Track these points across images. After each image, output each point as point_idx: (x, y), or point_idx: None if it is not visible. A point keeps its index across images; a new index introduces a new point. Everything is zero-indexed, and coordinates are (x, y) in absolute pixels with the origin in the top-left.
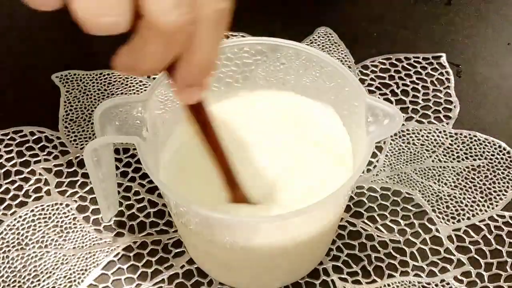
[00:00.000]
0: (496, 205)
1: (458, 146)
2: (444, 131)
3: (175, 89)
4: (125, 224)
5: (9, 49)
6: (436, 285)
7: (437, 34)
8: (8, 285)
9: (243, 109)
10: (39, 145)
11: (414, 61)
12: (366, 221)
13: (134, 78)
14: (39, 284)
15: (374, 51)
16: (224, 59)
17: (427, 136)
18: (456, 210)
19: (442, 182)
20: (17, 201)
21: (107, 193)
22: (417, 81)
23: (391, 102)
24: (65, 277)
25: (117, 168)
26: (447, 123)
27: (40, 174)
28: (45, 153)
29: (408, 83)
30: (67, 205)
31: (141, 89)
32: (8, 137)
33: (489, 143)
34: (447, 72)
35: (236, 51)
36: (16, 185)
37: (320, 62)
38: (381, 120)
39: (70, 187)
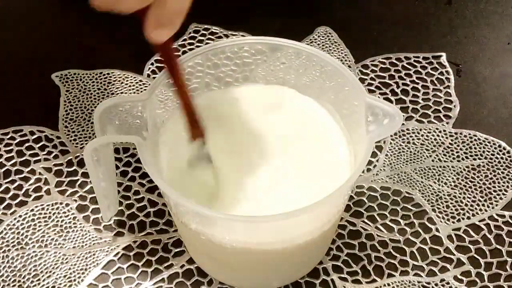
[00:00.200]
0: (496, 205)
1: (458, 145)
2: (444, 130)
3: (147, 28)
4: (125, 224)
5: (9, 49)
6: (436, 284)
7: (437, 34)
8: (8, 284)
9: (242, 108)
10: (39, 145)
11: (414, 61)
12: (366, 220)
13: (134, 77)
14: (39, 284)
15: (374, 51)
16: (224, 59)
17: (427, 136)
18: (456, 210)
19: (442, 181)
20: (17, 201)
21: (107, 193)
22: (417, 81)
23: (391, 101)
24: (65, 276)
25: (117, 167)
26: (447, 123)
27: (40, 173)
28: (45, 152)
29: (408, 83)
30: (67, 205)
31: (141, 88)
32: (8, 136)
33: (489, 142)
34: (447, 71)
35: (236, 50)
36: (16, 184)
37: (320, 62)
38: (381, 119)
39: (70, 186)
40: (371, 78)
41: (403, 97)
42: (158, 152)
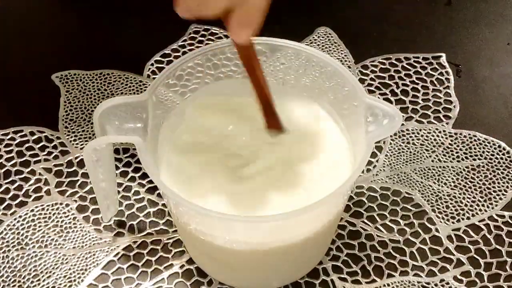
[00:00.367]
0: (496, 205)
1: (457, 146)
2: (444, 131)
3: (232, 30)
4: (125, 224)
5: (9, 49)
6: (436, 284)
7: (437, 34)
8: (8, 284)
9: (242, 108)
10: (39, 145)
11: (414, 61)
12: (365, 221)
13: (134, 78)
14: (39, 284)
15: (374, 51)
16: (224, 59)
17: (427, 136)
18: (456, 210)
19: (441, 182)
20: (17, 201)
21: (107, 193)
22: (416, 81)
23: (390, 102)
24: (65, 276)
25: (117, 168)
26: (447, 123)
27: (40, 174)
28: (45, 153)
29: (408, 83)
30: (67, 205)
31: (141, 89)
32: (8, 137)
33: (488, 143)
34: (446, 72)
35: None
36: (16, 185)
37: (320, 62)
38: (380, 120)
39: (70, 187)
40: (371, 79)
41: (403, 97)
42: (157, 153)
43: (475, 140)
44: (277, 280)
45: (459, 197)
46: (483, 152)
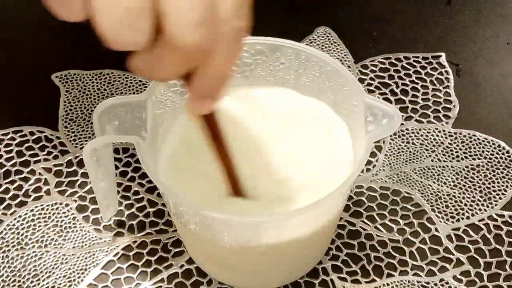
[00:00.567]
0: (496, 205)
1: (457, 145)
2: (444, 130)
3: (188, 100)
4: (124, 224)
5: (9, 49)
6: (435, 284)
7: (437, 33)
8: (8, 284)
9: (241, 107)
10: (39, 145)
11: (414, 61)
12: (365, 220)
13: (134, 78)
14: (38, 284)
15: (374, 51)
16: None
17: (427, 136)
18: (456, 210)
19: (441, 181)
20: (17, 201)
21: (106, 193)
22: (416, 81)
23: (390, 101)
24: (64, 276)
25: (117, 167)
26: (447, 123)
27: (39, 173)
28: (44, 152)
29: (408, 83)
30: (67, 205)
31: (141, 88)
32: (8, 137)
33: (488, 142)
34: (446, 71)
35: None
36: (16, 184)
37: (320, 62)
38: (380, 119)
39: (70, 186)
40: (371, 78)
41: (402, 97)
42: (157, 153)
43: (474, 140)
44: (276, 280)
45: (459, 197)
46: (483, 151)
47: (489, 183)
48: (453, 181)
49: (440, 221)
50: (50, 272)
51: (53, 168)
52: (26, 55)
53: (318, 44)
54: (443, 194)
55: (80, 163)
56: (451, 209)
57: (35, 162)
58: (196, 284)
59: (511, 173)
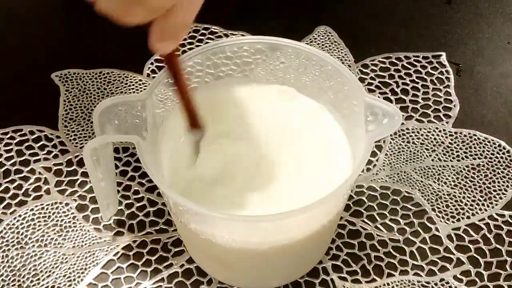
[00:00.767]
0: (496, 204)
1: (458, 145)
2: (444, 130)
3: (151, 40)
4: (124, 223)
5: (9, 48)
6: (436, 284)
7: (437, 33)
8: (8, 284)
9: (241, 106)
10: (38, 144)
11: (414, 60)
12: (365, 220)
13: (134, 77)
14: (38, 283)
15: (374, 50)
16: (223, 58)
17: (427, 135)
18: (456, 209)
19: (441, 181)
20: (16, 200)
21: (106, 192)
22: (417, 80)
23: (391, 101)
24: (64, 276)
25: (117, 167)
26: (447, 122)
27: (39, 173)
28: (44, 152)
29: (408, 82)
30: (67, 204)
31: (141, 88)
32: (8, 136)
33: (489, 142)
34: (447, 71)
35: (236, 50)
36: (15, 184)
37: (320, 61)
38: (380, 119)
39: (70, 186)
40: (371, 78)
41: (403, 96)
42: (157, 152)
43: (475, 139)
44: (277, 280)
45: (459, 196)
46: (483, 151)
47: (489, 183)
48: (454, 181)
49: (441, 221)
50: (50, 271)
51: (53, 167)
52: (25, 54)
53: (318, 43)
54: (444, 194)
55: (80, 163)
56: (451, 209)
57: (35, 161)
58: (196, 283)
59: (511, 172)
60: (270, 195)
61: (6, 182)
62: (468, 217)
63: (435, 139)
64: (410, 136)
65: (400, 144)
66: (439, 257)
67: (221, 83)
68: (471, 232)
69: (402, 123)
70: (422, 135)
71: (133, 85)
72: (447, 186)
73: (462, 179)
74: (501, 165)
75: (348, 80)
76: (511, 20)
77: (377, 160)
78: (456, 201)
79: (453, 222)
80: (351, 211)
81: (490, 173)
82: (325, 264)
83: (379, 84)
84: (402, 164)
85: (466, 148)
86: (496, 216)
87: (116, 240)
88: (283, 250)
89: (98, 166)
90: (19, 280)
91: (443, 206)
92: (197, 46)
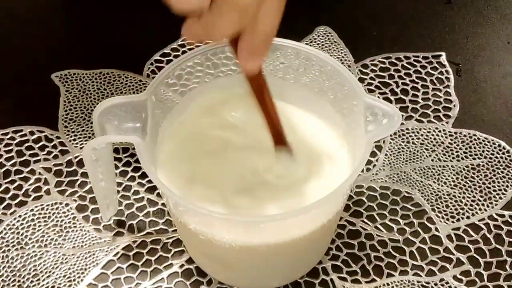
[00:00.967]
0: (496, 204)
1: (457, 145)
2: (444, 130)
3: (240, 60)
4: (124, 224)
5: (9, 49)
6: (436, 284)
7: (437, 33)
8: (8, 284)
9: (241, 106)
10: (38, 145)
11: (414, 60)
12: (365, 220)
13: (134, 77)
14: (38, 284)
15: (374, 50)
16: (223, 58)
17: (427, 135)
18: (456, 209)
19: (441, 181)
20: (16, 201)
21: (106, 193)
22: (416, 80)
23: (390, 101)
24: (64, 276)
25: (117, 167)
26: (447, 122)
27: (39, 173)
28: (44, 152)
29: (408, 82)
30: (67, 205)
31: (141, 88)
32: (8, 136)
33: (488, 142)
34: (446, 71)
35: None
36: (15, 184)
37: (320, 62)
38: (380, 119)
39: (70, 186)
40: (371, 78)
41: (402, 96)
42: (157, 152)
43: (475, 139)
44: (276, 280)
45: (459, 196)
46: (483, 151)
47: (489, 183)
48: (453, 181)
49: (440, 221)
50: (50, 272)
51: (53, 167)
52: (26, 54)
53: (318, 44)
54: (443, 194)
55: (80, 163)
56: (451, 209)
57: (35, 161)
58: (196, 284)
59: (511, 172)
60: (270, 195)
61: (6, 183)
62: (468, 217)
63: (435, 139)
64: (410, 136)
65: (400, 144)
66: (439, 257)
67: (221, 83)
68: (471, 232)
69: (402, 123)
70: (422, 135)
71: (133, 85)
72: (447, 186)
73: (462, 179)
74: (501, 165)
75: (348, 80)
76: (511, 20)
77: (377, 160)
78: (456, 201)
79: (453, 222)
80: (351, 211)
81: (490, 173)
82: (325, 264)
83: (379, 84)
84: (402, 164)
85: (466, 148)
86: (496, 216)
87: (116, 240)
88: (283, 250)
89: (98, 166)
90: (19, 281)
91: (443, 206)
92: (197, 46)
